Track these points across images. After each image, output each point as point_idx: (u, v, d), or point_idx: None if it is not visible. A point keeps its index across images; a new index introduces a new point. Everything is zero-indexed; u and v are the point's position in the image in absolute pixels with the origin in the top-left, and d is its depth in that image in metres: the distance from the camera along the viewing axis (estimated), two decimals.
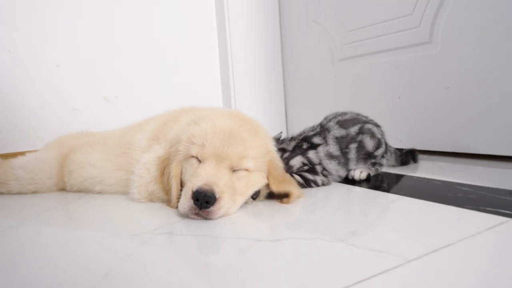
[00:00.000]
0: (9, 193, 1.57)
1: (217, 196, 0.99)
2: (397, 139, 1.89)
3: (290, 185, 1.17)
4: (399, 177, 1.40)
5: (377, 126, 1.44)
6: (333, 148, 1.31)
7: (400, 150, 1.61)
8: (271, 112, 2.62)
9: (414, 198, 1.08)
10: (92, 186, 1.46)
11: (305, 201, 1.16)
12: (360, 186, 1.31)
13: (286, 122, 2.67)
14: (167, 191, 1.17)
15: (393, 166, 1.56)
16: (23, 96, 1.98)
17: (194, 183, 1.02)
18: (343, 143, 1.34)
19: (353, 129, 1.36)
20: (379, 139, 1.39)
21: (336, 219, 0.99)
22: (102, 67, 2.17)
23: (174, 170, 1.14)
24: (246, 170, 1.10)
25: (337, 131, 1.34)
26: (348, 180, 1.38)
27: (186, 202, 1.01)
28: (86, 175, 1.46)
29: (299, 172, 1.29)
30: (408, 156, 1.59)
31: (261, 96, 2.57)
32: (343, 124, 1.37)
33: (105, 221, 1.12)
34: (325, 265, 0.69)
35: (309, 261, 0.72)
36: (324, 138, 1.33)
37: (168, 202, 1.16)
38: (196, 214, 1.00)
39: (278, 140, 1.33)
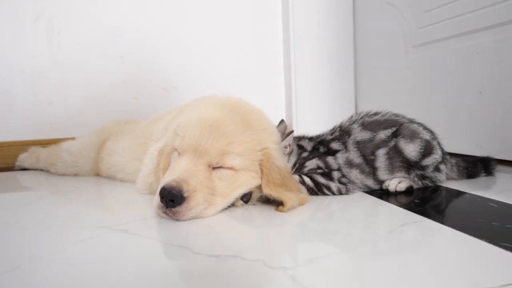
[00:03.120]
0: (56, 173, 1.70)
1: (185, 195, 0.87)
2: (475, 145, 1.50)
3: (288, 190, 0.98)
4: (454, 194, 1.07)
5: (426, 128, 1.14)
6: (354, 155, 1.07)
7: (470, 159, 1.25)
8: (339, 104, 2.36)
9: (463, 233, 0.73)
10: (116, 174, 1.47)
11: (309, 212, 0.96)
12: (395, 200, 1.03)
13: None
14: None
15: (455, 179, 1.22)
16: (89, 85, 2.13)
17: (164, 179, 0.92)
18: (366, 148, 1.08)
19: (384, 132, 1.10)
20: (426, 143, 1.09)
21: (329, 249, 0.77)
22: (163, 59, 2.22)
23: (162, 162, 1.05)
24: (231, 168, 0.95)
25: (358, 134, 1.10)
26: (384, 191, 1.11)
27: (156, 199, 0.91)
28: (112, 162, 1.49)
29: (310, 173, 1.08)
30: (477, 167, 1.22)
31: (327, 88, 2.34)
32: (368, 126, 1.12)
33: (80, 209, 1.12)
34: None
35: None
36: (344, 143, 1.09)
37: None
38: (164, 212, 0.90)
39: (295, 136, 1.14)
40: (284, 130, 1.18)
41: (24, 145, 2.00)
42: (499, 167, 1.28)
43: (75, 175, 1.66)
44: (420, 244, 0.71)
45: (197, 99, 1.29)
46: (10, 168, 1.96)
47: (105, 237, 0.81)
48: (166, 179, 0.90)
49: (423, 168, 1.09)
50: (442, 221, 0.81)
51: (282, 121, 1.22)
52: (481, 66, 1.45)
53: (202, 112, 1.00)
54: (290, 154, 1.11)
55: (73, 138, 1.80)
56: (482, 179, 1.21)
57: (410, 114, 1.84)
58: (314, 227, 0.86)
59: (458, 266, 0.60)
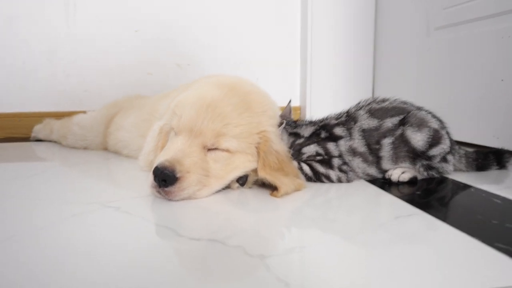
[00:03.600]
0: (67, 146, 1.74)
1: (177, 176, 0.87)
2: (492, 135, 1.42)
3: (285, 175, 0.96)
4: (459, 187, 1.02)
5: (435, 116, 1.09)
6: (358, 143, 1.03)
7: (481, 151, 1.19)
8: (356, 87, 2.29)
9: (458, 230, 0.70)
10: (121, 149, 1.49)
11: (305, 197, 0.94)
12: (398, 190, 1.00)
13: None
14: None
15: (463, 171, 1.16)
16: (104, 59, 2.14)
17: (159, 158, 0.92)
18: (372, 137, 1.04)
19: (391, 120, 1.05)
20: (435, 132, 1.03)
21: (314, 239, 0.76)
22: (178, 35, 2.20)
23: (160, 141, 1.05)
24: (227, 150, 0.94)
25: (365, 122, 1.05)
26: (386, 180, 1.07)
27: (150, 177, 0.91)
28: (119, 137, 1.50)
29: (309, 160, 1.05)
30: (489, 159, 1.16)
31: (344, 70, 2.26)
32: (375, 113, 1.06)
33: (80, 183, 1.14)
34: None
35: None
36: (349, 129, 1.05)
37: None
38: (158, 192, 0.90)
39: (292, 123, 1.10)
40: (288, 114, 1.15)
41: (41, 117, 2.05)
42: None
43: (85, 148, 1.69)
44: (408, 240, 0.68)
45: (201, 78, 1.27)
46: (27, 139, 2.02)
47: (97, 213, 0.82)
48: (161, 159, 0.90)
49: (430, 158, 1.05)
50: (438, 216, 0.78)
51: (288, 102, 1.18)
52: (506, 52, 1.36)
53: (201, 91, 0.98)
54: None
55: (85, 112, 1.83)
56: (494, 172, 1.15)
57: (426, 100, 1.78)
58: (307, 214, 0.84)
59: (441, 266, 0.58)
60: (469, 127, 1.54)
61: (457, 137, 1.60)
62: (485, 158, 1.16)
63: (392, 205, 0.88)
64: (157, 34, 2.18)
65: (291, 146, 1.06)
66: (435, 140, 1.03)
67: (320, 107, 2.27)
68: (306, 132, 1.08)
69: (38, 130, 1.94)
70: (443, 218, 0.77)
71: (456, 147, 1.14)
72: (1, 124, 2.07)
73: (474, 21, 1.51)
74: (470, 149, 1.18)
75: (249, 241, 0.67)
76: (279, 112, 1.31)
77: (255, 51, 2.28)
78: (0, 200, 0.93)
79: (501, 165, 1.17)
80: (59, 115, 2.03)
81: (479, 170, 1.16)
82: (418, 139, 1.03)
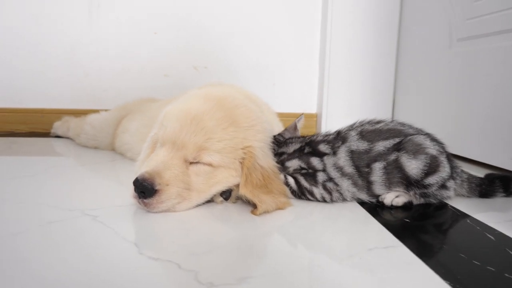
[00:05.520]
0: (80, 144, 1.79)
1: (156, 188, 0.87)
2: (510, 158, 1.33)
3: (268, 193, 0.94)
4: (455, 216, 0.96)
5: (434, 140, 1.02)
6: (344, 162, 0.99)
7: (489, 175, 1.11)
8: (375, 98, 2.21)
9: (433, 272, 0.64)
10: (126, 152, 1.52)
11: (288, 217, 0.92)
12: (390, 214, 0.95)
13: (392, 111, 2.23)
14: None
15: (465, 196, 1.09)
16: (123, 60, 2.19)
17: (141, 169, 0.93)
18: (361, 160, 0.98)
19: (384, 144, 0.99)
20: (432, 159, 0.97)
21: (268, 268, 0.73)
22: (195, 38, 2.21)
23: (146, 151, 1.06)
24: (209, 164, 0.93)
25: (354, 143, 1.00)
26: (379, 203, 1.02)
27: (131, 187, 0.92)
28: (124, 140, 1.53)
29: (295, 173, 1.02)
30: (494, 185, 1.08)
31: (364, 79, 2.19)
32: (366, 135, 1.00)
33: (72, 186, 1.16)
34: None
35: None
36: (333, 147, 1.01)
37: None
38: (138, 202, 0.91)
39: (278, 142, 1.07)
40: (292, 129, 1.12)
41: (61, 114, 2.13)
42: None
43: (96, 148, 1.74)
44: (371, 278, 0.65)
45: (195, 88, 1.26)
46: (48, 134, 2.11)
47: (73, 221, 0.84)
48: (142, 170, 0.91)
49: (425, 186, 0.98)
50: (417, 251, 0.73)
51: (299, 117, 1.15)
52: None
53: (187, 104, 0.98)
54: None
55: (96, 111, 1.88)
56: (499, 200, 1.07)
57: (443, 114, 1.69)
58: (279, 239, 0.82)
59: None
60: (485, 147, 1.45)
61: (473, 155, 1.51)
62: (490, 184, 1.08)
63: (372, 233, 0.84)
64: (175, 37, 2.20)
65: (277, 162, 1.04)
66: (432, 168, 0.97)
67: (336, 115, 2.22)
68: (291, 148, 1.05)
69: (57, 126, 2.02)
70: (421, 254, 0.72)
71: (459, 170, 1.06)
72: (25, 119, 2.17)
73: (497, 34, 1.41)
74: (472, 174, 1.10)
75: (206, 266, 0.65)
76: (279, 126, 1.29)
77: (272, 55, 2.26)
78: None
79: (509, 192, 1.09)
80: (78, 113, 2.10)
81: (482, 196, 1.09)
82: (412, 166, 0.96)
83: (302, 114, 1.18)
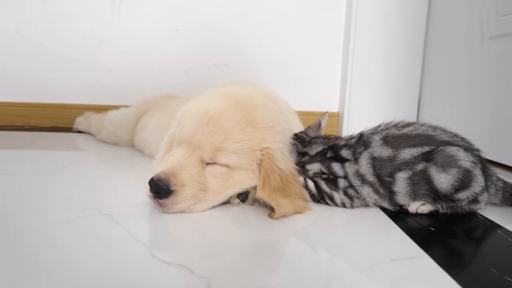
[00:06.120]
0: (100, 140, 1.81)
1: (172, 189, 0.86)
2: None
3: (286, 196, 0.91)
4: (486, 227, 0.90)
5: (469, 149, 0.93)
6: (366, 170, 0.94)
7: None
8: (400, 98, 2.13)
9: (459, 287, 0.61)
10: (144, 149, 1.52)
11: (306, 220, 0.89)
12: (415, 221, 0.91)
13: (417, 112, 2.15)
14: None
15: (497, 205, 1.02)
16: (144, 56, 2.20)
17: (157, 168, 0.91)
18: (384, 168, 0.92)
19: (410, 151, 0.91)
20: (465, 173, 0.88)
21: (282, 279, 0.70)
22: (217, 35, 2.19)
23: (163, 150, 1.05)
24: (226, 165, 0.90)
25: (377, 149, 0.94)
26: (403, 209, 0.97)
27: (147, 187, 0.91)
28: (143, 137, 1.53)
29: (315, 177, 0.99)
30: None
31: (388, 78, 2.12)
32: (391, 141, 0.94)
33: (90, 184, 1.16)
34: None
35: None
36: (354, 153, 0.96)
37: None
38: (154, 202, 0.89)
39: (302, 141, 1.04)
40: (316, 128, 1.08)
41: (83, 109, 2.16)
42: None
43: (115, 144, 1.75)
44: None
45: (212, 87, 1.24)
46: (71, 129, 2.13)
47: (88, 220, 0.83)
48: (158, 170, 0.89)
49: (455, 201, 0.91)
50: (443, 264, 0.68)
51: (323, 115, 1.10)
52: None
53: (205, 103, 0.95)
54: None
55: (117, 107, 1.89)
56: None
57: (473, 116, 1.61)
58: (297, 243, 0.79)
59: None
60: None
61: (506, 160, 1.43)
62: None
63: (395, 242, 0.79)
64: (197, 34, 2.19)
65: (298, 164, 1.00)
66: (464, 183, 0.89)
67: (359, 115, 2.16)
68: (314, 150, 1.02)
69: (79, 122, 2.05)
70: (448, 266, 0.68)
71: (495, 178, 0.99)
72: (48, 113, 2.21)
73: None
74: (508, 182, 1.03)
75: (220, 273, 0.63)
76: (299, 126, 1.26)
77: (293, 53, 2.21)
78: (9, 197, 0.98)
79: None
80: (99, 109, 2.12)
81: None
82: (442, 180, 0.89)
83: (326, 112, 1.14)
